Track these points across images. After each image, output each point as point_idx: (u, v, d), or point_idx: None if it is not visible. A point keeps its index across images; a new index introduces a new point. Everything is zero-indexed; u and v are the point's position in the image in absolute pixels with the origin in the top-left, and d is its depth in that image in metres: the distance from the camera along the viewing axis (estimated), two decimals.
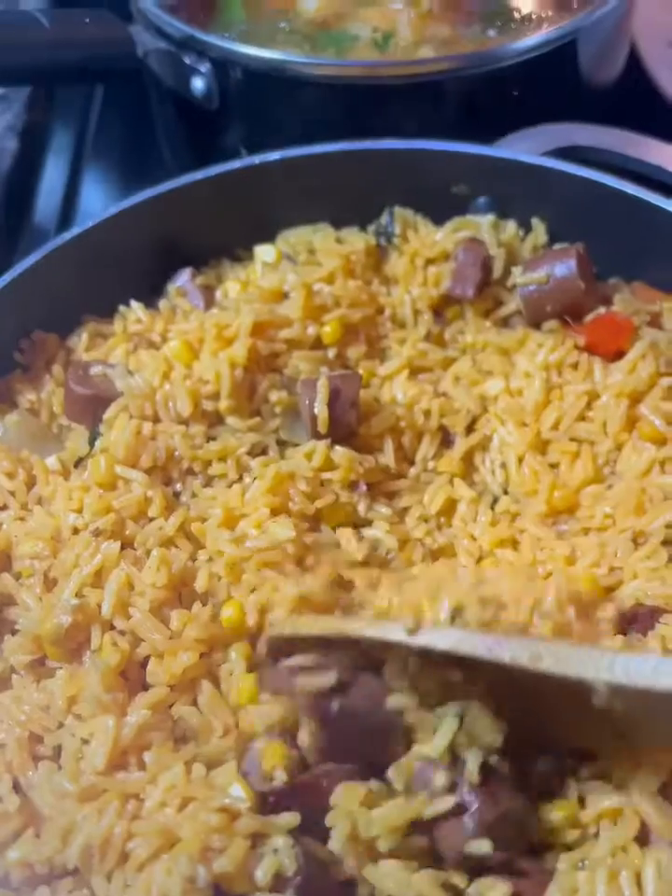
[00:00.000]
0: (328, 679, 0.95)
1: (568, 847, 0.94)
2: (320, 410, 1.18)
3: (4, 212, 1.93)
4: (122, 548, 1.09)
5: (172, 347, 1.26)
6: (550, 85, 1.59)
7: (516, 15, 1.59)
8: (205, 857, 0.88)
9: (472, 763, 0.91)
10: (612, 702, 0.86)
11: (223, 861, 0.87)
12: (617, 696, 0.86)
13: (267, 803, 0.94)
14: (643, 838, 0.92)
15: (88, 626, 1.03)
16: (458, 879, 0.92)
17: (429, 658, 0.92)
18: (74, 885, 0.94)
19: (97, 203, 2.02)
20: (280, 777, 0.94)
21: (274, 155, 1.35)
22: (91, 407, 1.21)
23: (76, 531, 1.11)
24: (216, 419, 1.23)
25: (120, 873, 0.91)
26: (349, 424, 1.21)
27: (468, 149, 1.35)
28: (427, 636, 0.93)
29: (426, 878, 0.90)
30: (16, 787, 1.00)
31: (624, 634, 1.04)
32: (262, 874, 0.88)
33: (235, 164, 1.35)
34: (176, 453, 1.19)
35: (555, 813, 0.94)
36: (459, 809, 0.91)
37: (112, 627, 1.04)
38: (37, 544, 1.10)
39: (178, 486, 1.19)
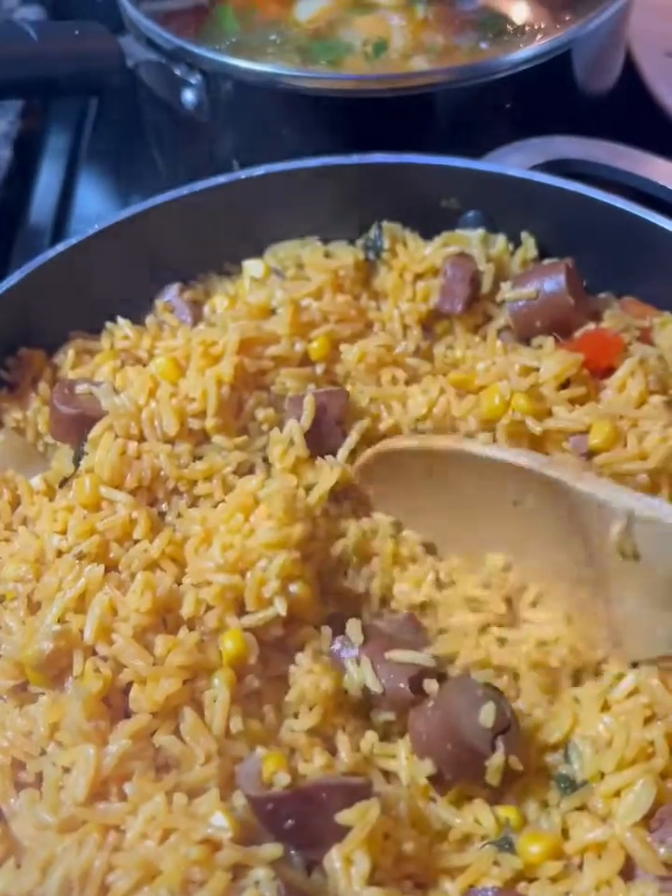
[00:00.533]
0: None
1: (552, 879, 0.93)
2: (304, 424, 1.18)
3: None
4: (106, 571, 1.08)
5: (158, 364, 1.25)
6: (544, 96, 1.57)
7: (510, 26, 1.58)
8: (186, 890, 0.87)
9: None
10: (628, 538, 0.99)
11: (204, 895, 0.86)
12: (635, 534, 0.99)
13: (264, 811, 0.93)
14: (628, 872, 0.91)
15: (70, 652, 1.02)
16: None
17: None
18: None
19: (92, 209, 2.01)
20: (282, 781, 0.93)
21: (259, 170, 1.35)
22: (77, 426, 1.20)
23: (60, 553, 1.10)
24: (202, 437, 1.22)
25: None
26: (335, 439, 1.20)
27: (457, 163, 1.34)
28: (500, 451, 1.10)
29: None
30: None
31: None
32: None
33: (220, 179, 1.34)
34: (162, 472, 1.18)
35: (537, 845, 0.93)
36: None
37: (95, 653, 1.03)
38: (21, 567, 1.09)
39: (164, 506, 1.18)
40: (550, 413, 1.19)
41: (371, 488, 1.21)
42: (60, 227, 1.96)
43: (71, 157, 2.12)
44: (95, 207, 2.03)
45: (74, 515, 1.13)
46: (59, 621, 1.03)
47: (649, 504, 0.99)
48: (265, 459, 1.22)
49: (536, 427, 1.18)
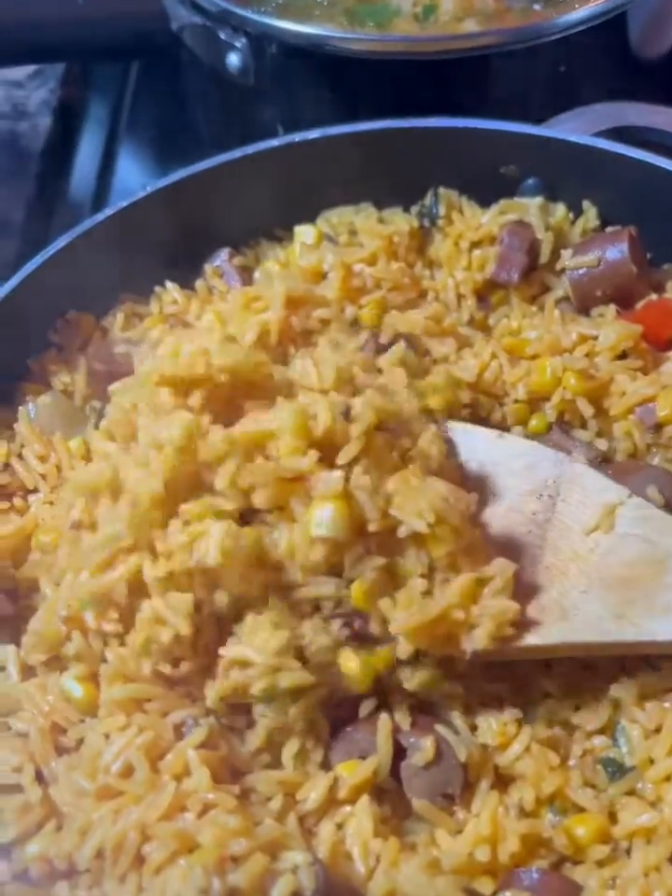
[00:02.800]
0: None
1: (599, 863, 0.91)
2: None
3: (38, 189, 1.90)
4: None
5: (205, 322, 1.21)
6: (599, 60, 1.54)
7: None
8: (222, 867, 0.84)
9: None
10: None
11: (238, 876, 0.83)
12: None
13: None
14: None
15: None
16: (482, 885, 0.89)
17: None
18: (92, 881, 0.91)
19: (133, 179, 1.97)
20: None
21: (314, 133, 1.32)
22: (108, 384, 1.17)
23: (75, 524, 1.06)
24: None
25: (135, 875, 0.88)
26: None
27: (516, 128, 1.30)
28: None
29: (448, 882, 0.88)
30: (39, 777, 0.98)
31: None
32: (278, 893, 0.84)
33: (274, 142, 1.32)
34: None
35: (583, 828, 0.91)
36: None
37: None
38: (48, 535, 1.08)
39: None
40: (611, 382, 1.16)
41: None
42: (100, 197, 1.93)
43: (112, 126, 2.08)
44: (136, 177, 1.99)
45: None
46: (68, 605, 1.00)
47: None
48: None
49: (587, 410, 1.15)
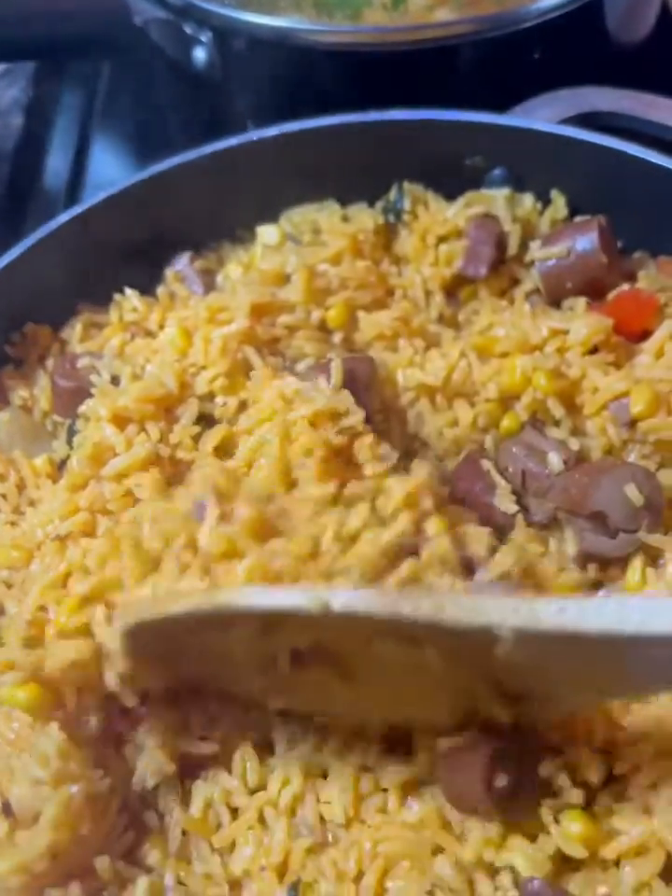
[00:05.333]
0: None
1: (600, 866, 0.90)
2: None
3: (9, 191, 1.88)
4: None
5: (168, 335, 1.19)
6: (574, 46, 1.49)
7: None
8: None
9: None
10: (518, 651, 0.79)
11: None
12: (522, 644, 0.78)
13: None
14: (668, 874, 0.86)
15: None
16: None
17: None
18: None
19: (107, 176, 1.94)
20: None
21: (272, 130, 1.28)
22: (75, 401, 1.15)
23: (59, 537, 1.04)
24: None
25: None
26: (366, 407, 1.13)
27: (480, 118, 1.26)
28: (320, 596, 0.81)
29: None
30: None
31: None
32: None
33: (231, 141, 1.28)
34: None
35: (577, 824, 0.89)
36: None
37: None
38: (12, 553, 1.05)
39: None
40: (583, 379, 1.13)
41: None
42: (74, 192, 1.90)
43: (84, 120, 2.05)
44: (110, 171, 1.96)
45: (58, 497, 1.08)
46: (38, 609, 0.99)
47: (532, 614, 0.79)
48: None
49: (558, 409, 1.12)
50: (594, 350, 1.15)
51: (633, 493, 1.03)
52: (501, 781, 0.88)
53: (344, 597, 0.81)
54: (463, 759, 0.90)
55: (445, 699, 0.90)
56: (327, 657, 0.87)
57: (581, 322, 1.16)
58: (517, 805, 0.91)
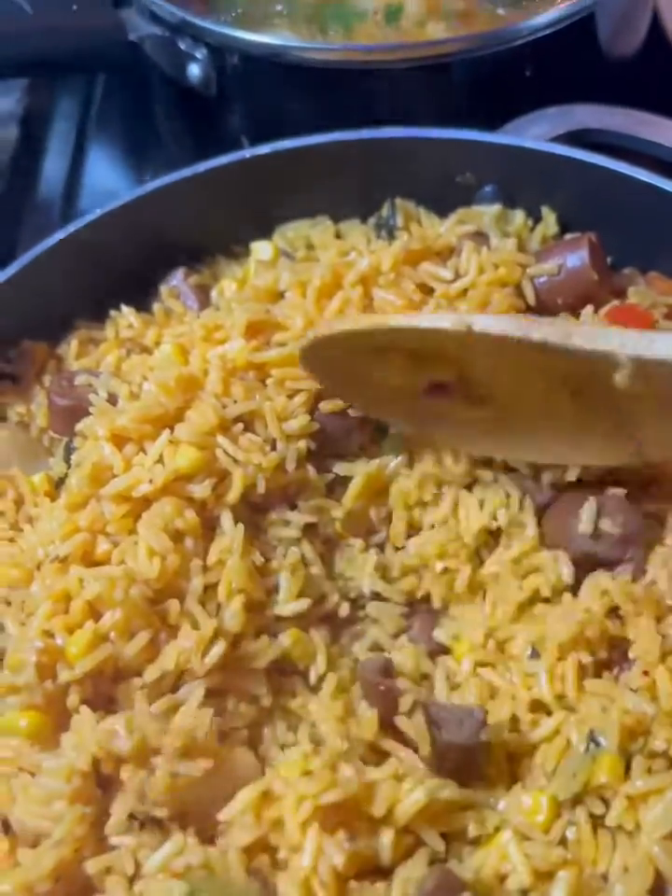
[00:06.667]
0: None
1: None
2: None
3: (4, 201, 1.89)
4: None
5: (164, 352, 1.20)
6: (566, 63, 1.52)
7: None
8: None
9: None
10: (636, 380, 0.89)
11: None
12: (639, 375, 0.89)
13: None
14: (657, 890, 0.87)
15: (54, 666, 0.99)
16: None
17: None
18: None
19: (103, 186, 1.96)
20: None
21: (265, 148, 1.30)
22: (73, 419, 1.16)
23: (59, 559, 1.06)
24: None
25: None
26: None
27: (470, 136, 1.28)
28: (463, 318, 0.94)
29: None
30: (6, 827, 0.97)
31: None
32: None
33: (224, 159, 1.29)
34: None
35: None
36: None
37: None
38: (11, 572, 1.06)
39: None
40: None
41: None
42: (70, 204, 1.91)
43: (80, 131, 2.06)
44: (106, 182, 1.97)
45: (57, 516, 1.09)
46: (43, 633, 0.99)
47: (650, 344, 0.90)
48: None
49: None
50: None
51: (607, 526, 1.05)
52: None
53: (484, 321, 0.93)
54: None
55: (572, 437, 1.03)
56: (469, 388, 1.01)
57: None
58: None
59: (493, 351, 0.95)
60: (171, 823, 0.93)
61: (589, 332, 0.91)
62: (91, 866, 0.92)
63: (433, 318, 0.95)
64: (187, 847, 0.90)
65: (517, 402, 1.01)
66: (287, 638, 1.06)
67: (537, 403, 1.00)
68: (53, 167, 1.98)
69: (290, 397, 1.13)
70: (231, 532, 1.07)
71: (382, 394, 1.08)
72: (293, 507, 1.13)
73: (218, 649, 1.01)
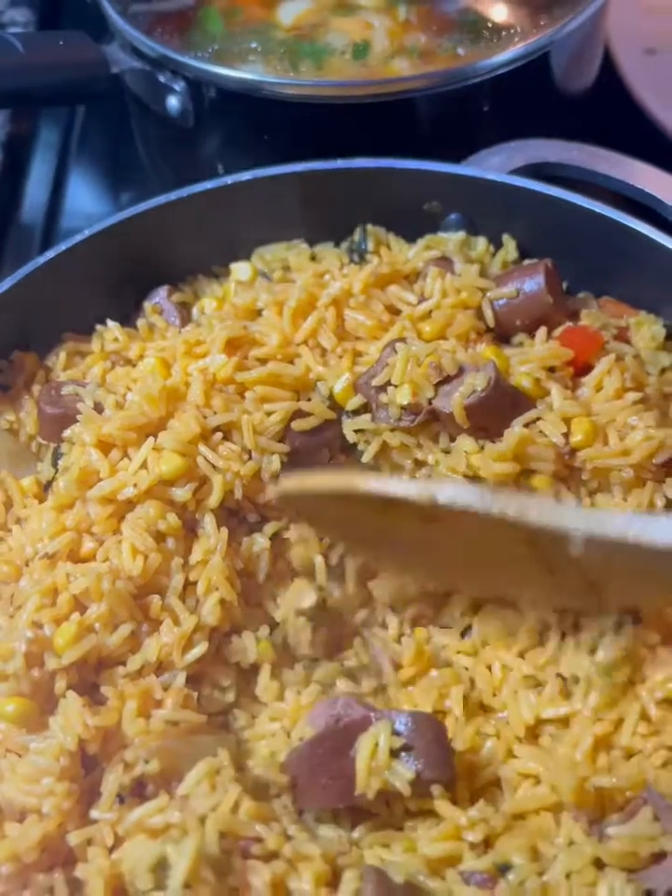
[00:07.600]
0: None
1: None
2: None
3: None
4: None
5: (147, 364, 1.27)
6: (523, 99, 1.60)
7: (486, 30, 1.60)
8: None
9: None
10: (589, 550, 0.94)
11: None
12: (592, 545, 0.93)
13: None
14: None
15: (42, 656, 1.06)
16: None
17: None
18: None
19: (84, 209, 2.04)
20: None
21: (246, 175, 1.37)
22: (60, 426, 1.23)
23: (47, 556, 1.12)
24: None
25: None
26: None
27: (436, 168, 1.36)
28: (429, 488, 0.97)
29: None
30: None
31: None
32: None
33: (207, 185, 1.37)
34: None
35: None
36: None
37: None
38: (1, 568, 1.13)
39: None
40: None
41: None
42: (51, 226, 1.99)
43: (61, 154, 2.14)
44: (87, 205, 2.06)
45: (45, 516, 1.16)
46: (32, 624, 1.06)
47: (600, 524, 0.95)
48: None
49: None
50: None
51: None
52: None
53: (448, 492, 0.96)
54: None
55: (529, 578, 1.06)
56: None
57: (544, 347, 1.26)
58: None
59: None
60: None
61: (545, 508, 0.95)
62: (74, 838, 1.00)
63: (401, 486, 0.98)
64: (167, 806, 0.97)
65: (480, 548, 1.04)
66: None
67: (500, 551, 1.03)
68: (35, 191, 2.06)
69: (268, 415, 1.21)
70: (214, 534, 1.14)
71: (357, 532, 1.12)
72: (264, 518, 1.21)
73: (199, 650, 1.10)
